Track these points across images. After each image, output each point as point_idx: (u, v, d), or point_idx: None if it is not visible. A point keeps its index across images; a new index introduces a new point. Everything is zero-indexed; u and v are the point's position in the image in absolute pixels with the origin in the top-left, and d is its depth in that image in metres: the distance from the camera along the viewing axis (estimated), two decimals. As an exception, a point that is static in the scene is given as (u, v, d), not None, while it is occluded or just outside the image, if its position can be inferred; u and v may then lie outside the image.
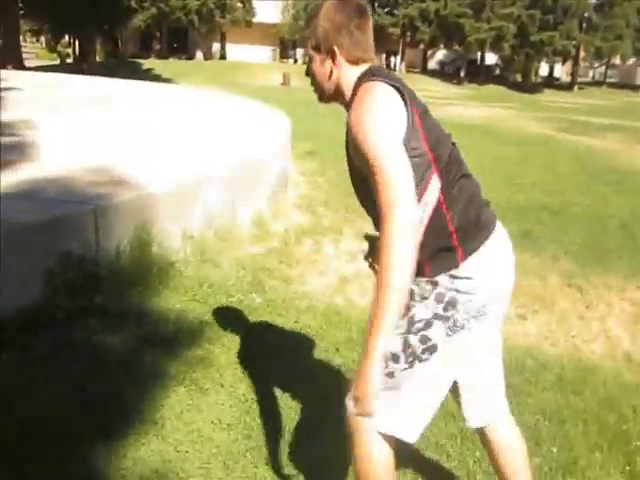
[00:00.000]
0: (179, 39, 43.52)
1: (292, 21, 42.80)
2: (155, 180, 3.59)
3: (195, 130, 5.61)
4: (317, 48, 1.50)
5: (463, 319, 1.45)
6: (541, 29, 40.89)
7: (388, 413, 1.44)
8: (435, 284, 1.45)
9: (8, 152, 4.35)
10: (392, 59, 47.38)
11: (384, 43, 45.01)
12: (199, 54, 43.05)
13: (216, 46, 43.72)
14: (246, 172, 4.33)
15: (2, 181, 3.39)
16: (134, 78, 12.29)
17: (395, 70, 44.91)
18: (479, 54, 45.06)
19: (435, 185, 1.42)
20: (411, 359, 1.46)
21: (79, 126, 5.67)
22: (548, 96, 37.19)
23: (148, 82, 12.02)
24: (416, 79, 41.11)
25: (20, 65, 25.23)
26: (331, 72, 1.50)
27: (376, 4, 44.83)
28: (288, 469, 1.94)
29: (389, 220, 1.27)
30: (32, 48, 50.65)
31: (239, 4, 40.80)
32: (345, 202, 4.90)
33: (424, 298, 1.46)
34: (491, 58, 46.43)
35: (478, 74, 43.21)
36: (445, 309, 1.45)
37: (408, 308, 1.43)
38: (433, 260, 1.44)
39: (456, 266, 1.44)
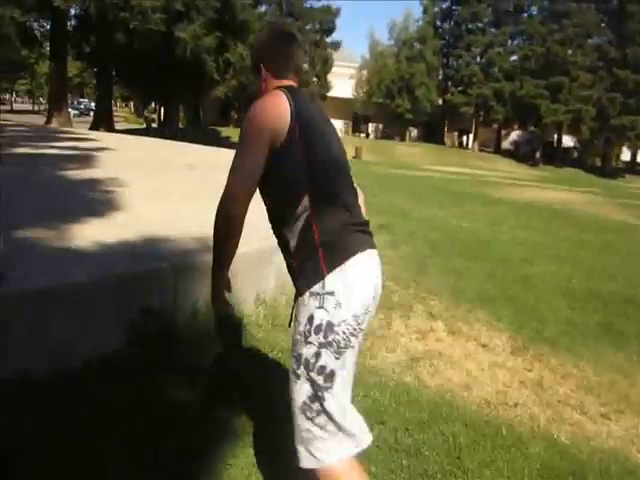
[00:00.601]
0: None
1: (365, 97, 44.44)
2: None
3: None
4: (253, 67, 1.87)
5: (344, 339, 1.62)
6: (623, 112, 40.26)
7: (335, 443, 1.67)
8: (305, 306, 1.64)
9: (99, 206, 4.64)
10: (464, 138, 47.88)
11: (456, 122, 45.77)
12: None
13: (291, 118, 45.58)
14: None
15: (93, 234, 3.59)
16: (213, 145, 12.95)
17: (468, 149, 45.31)
18: (555, 136, 44.79)
19: (306, 201, 1.65)
20: (320, 393, 1.64)
21: (163, 185, 6.01)
22: (630, 182, 36.23)
23: (225, 149, 12.62)
24: (489, 159, 41.30)
25: (111, 128, 27.24)
26: (261, 87, 1.84)
27: (449, 83, 45.93)
28: None
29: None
30: (121, 112, 54.62)
31: (314, 79, 42.79)
32: (416, 278, 4.86)
33: (306, 337, 1.63)
34: (568, 140, 45.99)
35: (554, 156, 42.84)
36: (325, 336, 1.61)
37: (297, 356, 1.66)
38: (301, 274, 1.66)
39: (321, 280, 1.61)
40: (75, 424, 2.25)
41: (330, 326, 1.60)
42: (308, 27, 42.35)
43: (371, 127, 47.92)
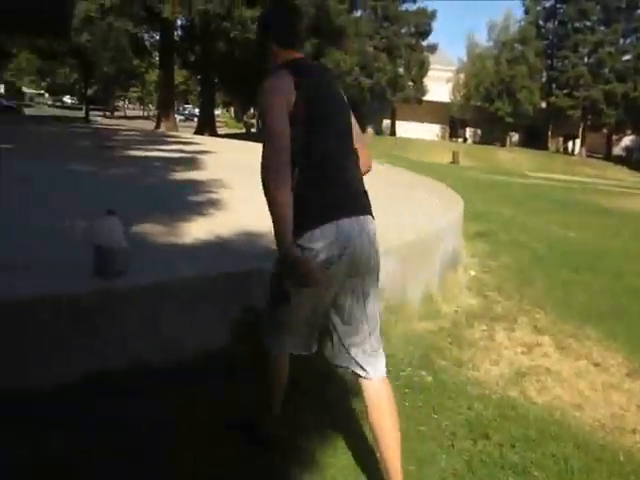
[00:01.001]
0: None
1: (463, 100, 43.33)
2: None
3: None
4: (260, 40, 2.09)
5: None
6: None
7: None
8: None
9: (204, 206, 4.83)
10: (570, 143, 45.39)
11: (561, 126, 43.51)
12: (370, 130, 45.10)
13: (386, 122, 45.45)
14: (418, 247, 4.30)
15: (198, 232, 3.73)
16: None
17: (574, 155, 42.92)
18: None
19: (299, 165, 1.83)
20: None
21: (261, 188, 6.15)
22: None
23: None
24: (598, 166, 38.84)
25: (214, 132, 28.42)
26: (274, 54, 2.03)
27: (553, 85, 43.79)
28: None
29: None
30: (222, 118, 56.85)
31: (410, 83, 42.30)
32: (520, 290, 4.64)
33: None
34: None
35: (673, 164, 39.68)
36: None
37: None
38: (294, 227, 1.77)
39: (301, 235, 1.81)
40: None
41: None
42: (403, 30, 41.99)
43: (469, 132, 46.67)
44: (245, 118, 49.49)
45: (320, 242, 1.83)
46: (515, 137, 45.32)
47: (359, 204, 1.96)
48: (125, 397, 2.39)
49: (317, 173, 1.88)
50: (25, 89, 64.91)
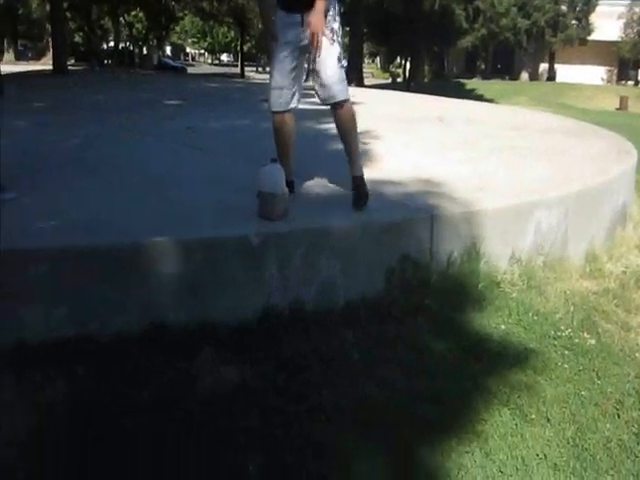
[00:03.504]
0: (504, 59, 43.15)
1: (637, 38, 38.53)
2: (487, 198, 3.58)
3: (526, 151, 5.43)
4: None
5: None
6: None
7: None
8: None
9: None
10: None
11: None
12: (524, 75, 42.01)
13: (543, 66, 42.00)
14: (582, 201, 3.99)
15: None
16: (457, 97, 12.55)
17: None
18: None
19: None
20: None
21: (415, 138, 6.05)
22: None
23: (472, 102, 12.16)
24: None
25: (361, 83, 28.32)
26: None
27: None
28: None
29: None
30: (369, 68, 56.35)
31: (574, 21, 38.40)
32: None
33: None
34: None
35: None
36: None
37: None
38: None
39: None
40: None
41: None
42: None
43: (643, 73, 41.56)
44: (391, 68, 48.65)
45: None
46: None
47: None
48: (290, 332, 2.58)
49: None
50: (188, 49, 69.47)
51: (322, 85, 3.05)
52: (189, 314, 2.60)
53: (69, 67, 20.22)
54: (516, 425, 2.16)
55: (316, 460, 1.91)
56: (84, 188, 3.53)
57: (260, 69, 58.77)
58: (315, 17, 2.83)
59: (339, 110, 3.13)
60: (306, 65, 3.12)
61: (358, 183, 3.24)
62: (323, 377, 2.35)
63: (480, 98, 22.70)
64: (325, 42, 2.92)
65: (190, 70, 43.05)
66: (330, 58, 2.99)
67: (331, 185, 3.76)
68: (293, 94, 3.13)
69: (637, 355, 2.76)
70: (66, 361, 2.29)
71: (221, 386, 2.28)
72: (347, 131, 3.22)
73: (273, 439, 2.02)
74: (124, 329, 2.48)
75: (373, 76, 49.05)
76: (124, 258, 2.59)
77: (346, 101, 3.12)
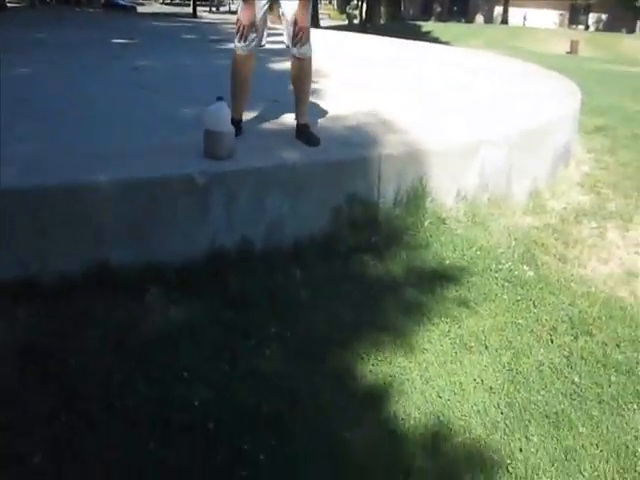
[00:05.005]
0: (460, 2, 42.67)
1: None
2: (434, 138, 3.60)
3: (474, 92, 5.47)
4: None
5: None
6: None
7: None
8: None
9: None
10: None
11: None
12: (479, 18, 41.74)
13: (498, 10, 41.76)
14: (526, 140, 4.07)
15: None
16: (414, 39, 12.39)
17: None
18: None
19: None
20: None
21: (364, 78, 5.99)
22: None
23: (426, 43, 12.02)
24: None
25: (317, 24, 27.53)
26: None
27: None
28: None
29: None
30: (325, 10, 54.85)
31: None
32: (639, 187, 4.33)
33: None
34: None
35: None
36: None
37: None
38: None
39: None
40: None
41: None
42: None
43: (592, 18, 41.78)
44: (348, 9, 47.49)
45: None
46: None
47: None
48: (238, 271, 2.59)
49: None
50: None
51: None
52: (135, 255, 2.57)
53: (7, 4, 18.89)
54: (455, 353, 2.26)
55: (264, 393, 1.96)
56: (27, 128, 3.37)
57: (214, 9, 56.36)
58: (300, 12, 2.94)
59: (301, 61, 3.13)
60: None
61: (303, 130, 3.24)
62: (270, 314, 2.38)
63: (436, 40, 22.44)
64: None
65: (140, 9, 40.82)
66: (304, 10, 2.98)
67: (280, 126, 3.70)
68: (262, 32, 3.09)
69: (572, 285, 2.90)
70: (5, 304, 2.25)
71: (168, 325, 2.29)
72: (302, 80, 3.22)
73: (221, 374, 2.05)
74: (67, 270, 2.43)
75: (330, 17, 47.79)
76: (67, 198, 2.52)
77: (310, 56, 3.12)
